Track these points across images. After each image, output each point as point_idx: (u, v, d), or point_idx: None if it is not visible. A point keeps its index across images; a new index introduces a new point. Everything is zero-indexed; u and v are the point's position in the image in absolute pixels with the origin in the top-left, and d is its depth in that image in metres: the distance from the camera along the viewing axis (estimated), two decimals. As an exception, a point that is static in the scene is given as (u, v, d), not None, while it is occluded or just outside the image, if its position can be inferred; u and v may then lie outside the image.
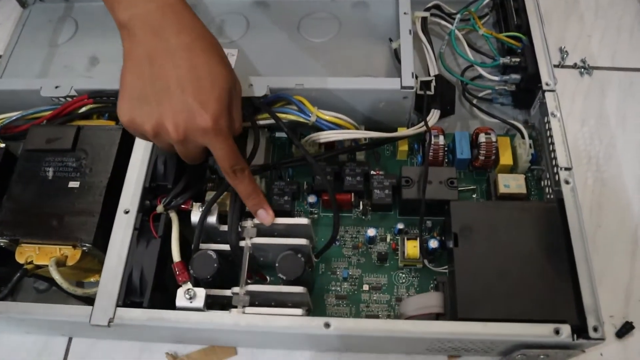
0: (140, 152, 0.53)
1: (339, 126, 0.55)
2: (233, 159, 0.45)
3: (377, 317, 0.52)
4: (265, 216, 0.49)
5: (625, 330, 0.52)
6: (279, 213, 0.55)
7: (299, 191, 0.58)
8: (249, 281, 0.55)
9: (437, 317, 0.47)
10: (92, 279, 0.54)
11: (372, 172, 0.57)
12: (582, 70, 0.65)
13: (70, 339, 0.55)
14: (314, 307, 0.53)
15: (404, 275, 0.54)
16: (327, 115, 0.55)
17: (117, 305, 0.46)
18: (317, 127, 0.55)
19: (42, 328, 0.53)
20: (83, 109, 0.57)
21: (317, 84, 0.55)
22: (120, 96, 0.43)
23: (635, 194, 0.58)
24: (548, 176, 0.54)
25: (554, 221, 0.48)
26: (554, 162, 0.52)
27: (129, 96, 0.42)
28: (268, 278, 0.54)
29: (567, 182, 0.50)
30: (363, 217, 0.57)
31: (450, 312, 0.47)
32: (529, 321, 0.44)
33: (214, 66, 0.43)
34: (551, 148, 0.53)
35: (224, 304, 0.49)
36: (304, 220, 0.50)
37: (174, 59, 0.42)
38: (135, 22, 0.42)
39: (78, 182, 0.52)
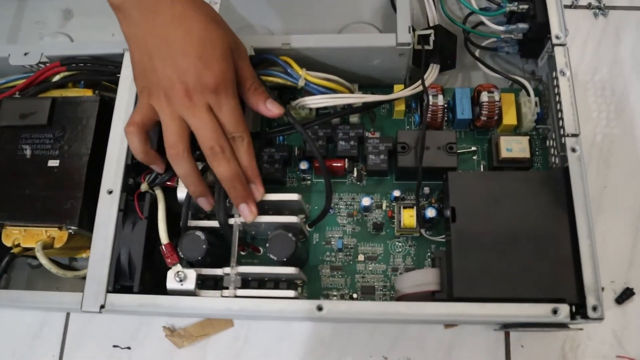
0: (120, 127, 0.49)
1: (330, 89, 0.51)
2: (234, 124, 0.45)
3: (373, 288, 0.51)
4: (255, 190, 0.46)
5: (625, 296, 0.51)
6: (269, 182, 0.54)
7: (291, 157, 0.55)
8: (242, 252, 0.54)
9: (434, 294, 0.46)
10: (83, 255, 0.54)
11: (367, 134, 0.54)
12: (597, 10, 0.60)
13: (68, 314, 0.55)
14: (309, 278, 0.52)
15: (400, 244, 0.52)
16: (317, 79, 0.51)
17: (108, 291, 0.46)
18: (307, 91, 0.52)
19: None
20: (56, 77, 0.53)
21: (305, 42, 0.51)
22: (134, 75, 0.46)
23: (646, 151, 0.55)
24: (554, 137, 0.51)
25: (558, 193, 0.46)
26: (560, 124, 0.49)
27: (139, 71, 0.45)
28: (261, 250, 0.53)
29: (573, 150, 0.47)
30: (358, 183, 0.55)
31: (446, 290, 0.46)
32: (528, 300, 0.43)
33: (211, 29, 0.44)
34: (558, 107, 0.49)
35: (217, 280, 0.48)
36: (294, 196, 0.48)
37: (172, 26, 0.44)
38: (129, 4, 0.44)
39: (58, 161, 0.50)
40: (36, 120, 0.51)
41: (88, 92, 0.53)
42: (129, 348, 0.53)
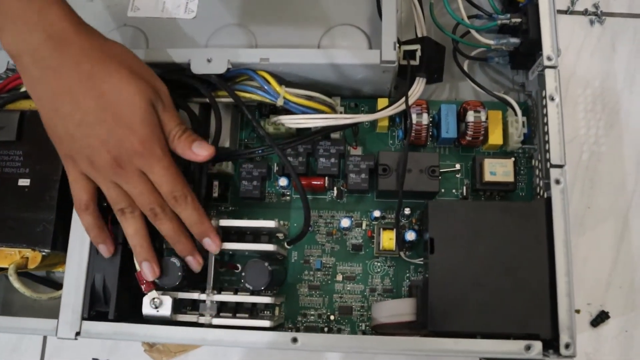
0: (91, 146, 0.48)
1: (310, 108, 0.49)
2: (171, 184, 0.42)
3: (350, 308, 0.51)
4: (210, 244, 0.45)
5: (600, 319, 0.51)
6: (248, 200, 0.53)
7: (270, 172, 0.54)
8: (220, 269, 0.53)
9: (409, 324, 0.47)
10: (60, 270, 0.53)
11: (349, 148, 0.53)
12: (594, 17, 0.57)
13: (47, 325, 0.55)
14: (286, 297, 0.52)
15: (379, 265, 0.52)
16: (297, 97, 0.49)
17: (83, 318, 0.45)
18: (287, 109, 0.50)
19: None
20: (24, 88, 0.51)
21: (284, 57, 0.48)
22: (51, 138, 0.43)
23: (632, 171, 0.53)
24: (540, 158, 0.50)
25: (539, 225, 0.45)
26: (547, 147, 0.47)
27: (55, 137, 0.42)
28: (239, 267, 0.53)
29: (557, 182, 0.45)
30: (338, 200, 0.54)
31: (421, 320, 0.46)
32: (502, 335, 0.43)
33: (126, 87, 0.41)
34: (545, 130, 0.48)
35: (195, 300, 0.48)
36: (270, 223, 0.47)
37: (81, 89, 0.40)
38: (27, 58, 0.40)
39: (28, 180, 0.48)
40: (4, 135, 0.49)
41: (58, 104, 0.51)
42: (108, 361, 0.54)
